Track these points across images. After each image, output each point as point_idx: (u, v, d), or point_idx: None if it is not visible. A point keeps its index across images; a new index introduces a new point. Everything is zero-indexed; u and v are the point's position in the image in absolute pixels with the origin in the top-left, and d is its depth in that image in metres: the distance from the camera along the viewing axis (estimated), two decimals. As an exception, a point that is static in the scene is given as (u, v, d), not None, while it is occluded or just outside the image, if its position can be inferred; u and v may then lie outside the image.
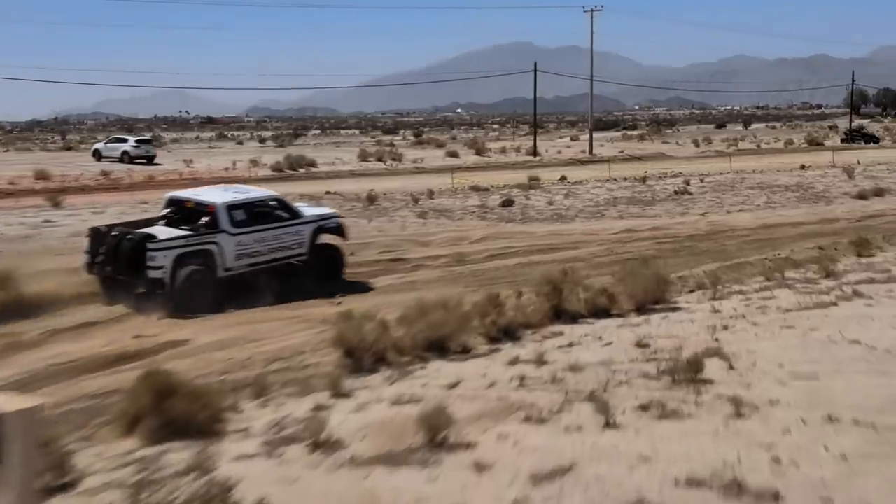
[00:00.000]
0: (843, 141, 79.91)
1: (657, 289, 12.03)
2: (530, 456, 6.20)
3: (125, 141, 58.42)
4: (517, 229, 23.91)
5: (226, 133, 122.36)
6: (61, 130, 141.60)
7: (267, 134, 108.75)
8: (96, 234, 15.06)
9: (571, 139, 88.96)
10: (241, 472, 6.02)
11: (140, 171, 44.93)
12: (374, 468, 6.13)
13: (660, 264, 13.99)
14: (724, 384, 7.91)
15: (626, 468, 5.85)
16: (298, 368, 10.19)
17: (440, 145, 72.45)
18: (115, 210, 26.65)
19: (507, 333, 10.76)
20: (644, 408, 7.35)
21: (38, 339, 12.19)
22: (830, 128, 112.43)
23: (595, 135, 72.14)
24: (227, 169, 46.61)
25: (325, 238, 16.88)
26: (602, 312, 11.67)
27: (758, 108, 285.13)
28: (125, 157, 53.39)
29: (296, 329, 12.52)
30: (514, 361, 9.41)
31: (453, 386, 8.61)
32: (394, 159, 54.61)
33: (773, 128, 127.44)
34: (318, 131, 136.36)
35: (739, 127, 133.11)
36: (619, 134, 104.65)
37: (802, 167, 46.18)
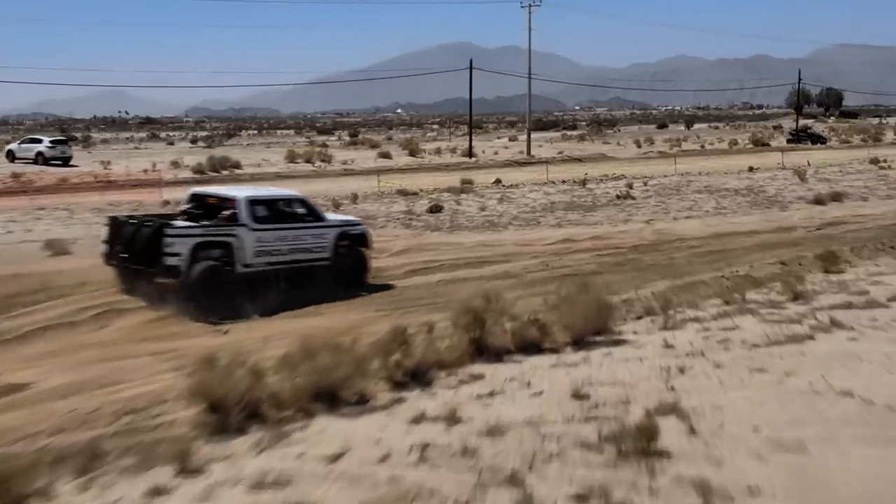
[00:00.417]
0: (789, 142, 79.89)
1: (598, 317, 9.98)
2: None
3: (40, 141, 55.65)
4: (444, 239, 22.02)
5: (158, 133, 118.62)
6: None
7: (202, 134, 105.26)
8: (115, 224, 14.67)
9: (510, 139, 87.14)
10: None
11: (53, 174, 42.81)
12: None
13: (601, 284, 11.99)
14: (686, 459, 6.03)
15: None
16: (148, 428, 8.04)
17: (374, 146, 70.43)
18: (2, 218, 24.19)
19: (416, 376, 8.69)
20: (581, 499, 5.47)
21: None
22: (775, 128, 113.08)
23: (534, 135, 70.27)
24: (146, 171, 44.18)
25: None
26: (532, 347, 9.59)
27: (699, 108, 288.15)
28: (39, 159, 51.50)
29: (165, 368, 10.37)
30: (419, 419, 7.40)
31: (336, 458, 6.60)
32: (323, 160, 52.61)
33: (716, 128, 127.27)
34: (255, 131, 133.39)
35: (682, 127, 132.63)
36: (558, 134, 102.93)
37: (751, 169, 45.03)
